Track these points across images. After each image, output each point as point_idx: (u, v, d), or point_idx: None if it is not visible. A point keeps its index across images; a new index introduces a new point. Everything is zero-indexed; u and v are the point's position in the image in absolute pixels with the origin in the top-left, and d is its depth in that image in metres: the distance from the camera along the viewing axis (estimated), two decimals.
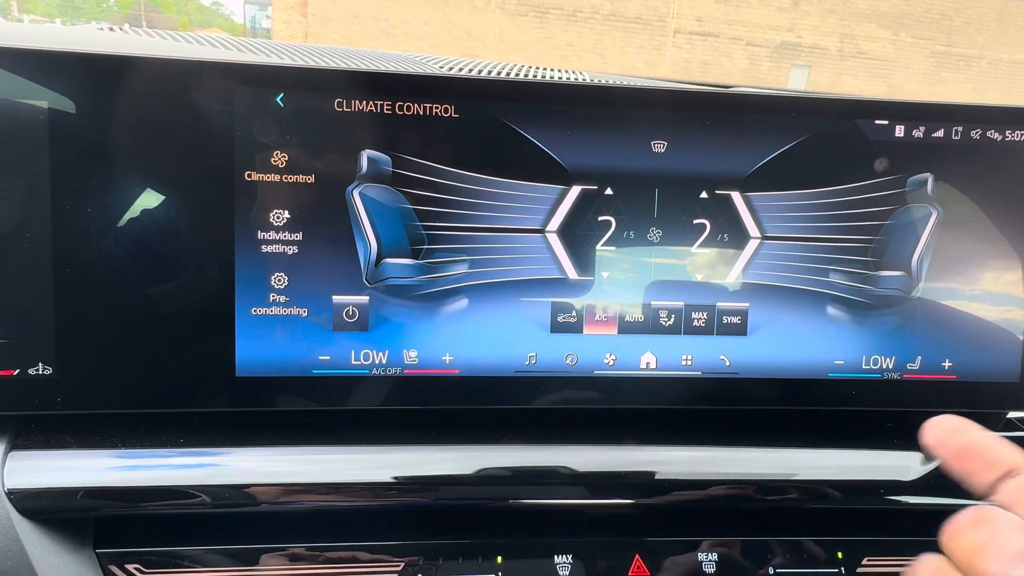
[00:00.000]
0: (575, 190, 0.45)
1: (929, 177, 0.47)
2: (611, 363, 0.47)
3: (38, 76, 0.40)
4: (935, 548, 0.48)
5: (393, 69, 0.44)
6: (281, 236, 0.43)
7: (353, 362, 0.45)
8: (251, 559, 0.44)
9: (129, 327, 0.42)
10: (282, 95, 0.42)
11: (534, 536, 0.47)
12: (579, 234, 0.46)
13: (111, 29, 0.71)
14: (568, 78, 0.73)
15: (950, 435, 0.34)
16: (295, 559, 0.44)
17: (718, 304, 0.47)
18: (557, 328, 0.46)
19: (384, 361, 0.45)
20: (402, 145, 0.43)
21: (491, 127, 0.44)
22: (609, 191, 0.45)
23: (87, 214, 0.41)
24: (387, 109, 0.43)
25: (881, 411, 0.50)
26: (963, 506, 0.48)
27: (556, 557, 0.46)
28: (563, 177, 0.45)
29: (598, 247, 0.46)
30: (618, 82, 0.47)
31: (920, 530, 0.49)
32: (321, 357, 0.44)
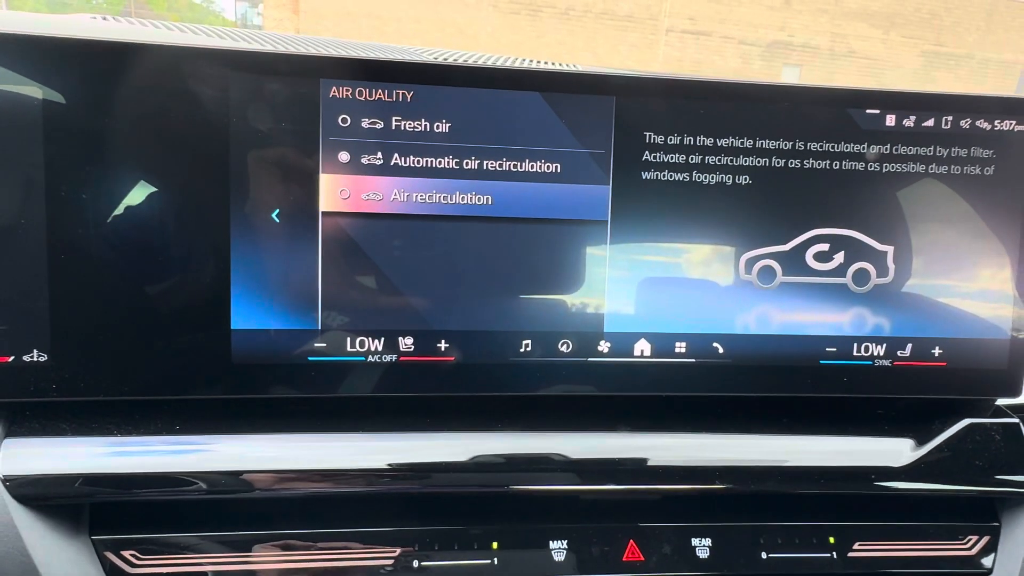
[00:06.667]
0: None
1: (921, 167, 0.48)
2: (605, 351, 0.47)
3: (30, 63, 0.40)
4: (925, 533, 0.49)
5: (387, 57, 0.44)
6: (276, 223, 0.43)
7: (348, 349, 0.45)
8: (247, 546, 0.44)
9: (124, 314, 0.42)
10: (277, 81, 0.42)
11: (529, 522, 0.47)
12: (575, 228, 0.46)
13: (104, 19, 0.70)
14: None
15: None
16: (291, 546, 0.44)
17: (712, 293, 0.48)
18: (552, 316, 0.46)
19: (379, 348, 0.45)
20: (395, 132, 0.43)
21: (506, 108, 0.44)
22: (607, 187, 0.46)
23: (81, 201, 0.41)
24: (379, 95, 0.43)
25: (872, 398, 0.51)
26: (952, 492, 0.49)
27: (551, 543, 0.46)
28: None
29: (595, 242, 0.46)
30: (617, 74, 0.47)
31: (911, 515, 0.50)
32: (317, 344, 0.44)
